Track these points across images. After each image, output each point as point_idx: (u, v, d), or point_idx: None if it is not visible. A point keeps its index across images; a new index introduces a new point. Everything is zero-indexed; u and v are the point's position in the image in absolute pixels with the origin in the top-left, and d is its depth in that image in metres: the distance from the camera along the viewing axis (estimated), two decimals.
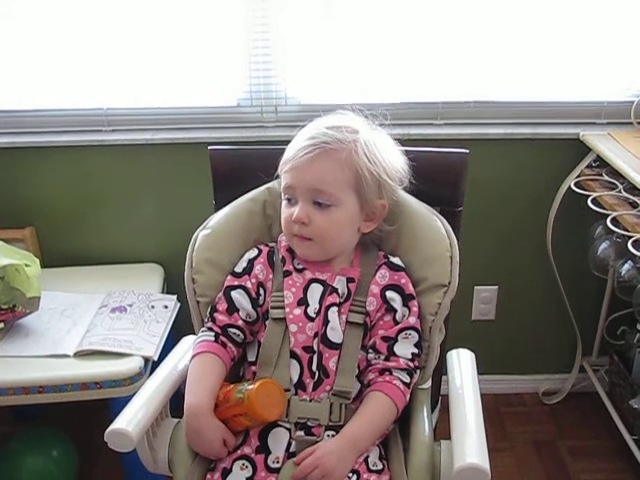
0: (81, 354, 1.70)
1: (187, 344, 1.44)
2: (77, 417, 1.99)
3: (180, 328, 1.85)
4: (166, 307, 1.91)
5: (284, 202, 1.32)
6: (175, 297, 1.94)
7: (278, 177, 1.41)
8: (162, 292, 2.01)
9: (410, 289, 1.32)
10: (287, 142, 1.89)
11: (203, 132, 2.01)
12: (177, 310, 1.92)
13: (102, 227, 2.11)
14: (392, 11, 1.92)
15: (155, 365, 1.71)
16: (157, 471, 1.28)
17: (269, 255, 1.36)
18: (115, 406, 1.66)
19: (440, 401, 1.52)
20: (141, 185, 2.07)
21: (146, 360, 1.71)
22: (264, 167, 1.44)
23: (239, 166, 1.49)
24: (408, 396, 1.28)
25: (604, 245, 1.93)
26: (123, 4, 1.90)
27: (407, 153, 1.35)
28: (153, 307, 1.89)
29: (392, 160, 1.31)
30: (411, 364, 1.28)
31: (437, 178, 1.41)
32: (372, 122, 1.34)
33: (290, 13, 1.92)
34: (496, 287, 2.19)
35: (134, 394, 1.60)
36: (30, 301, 1.75)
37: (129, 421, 1.18)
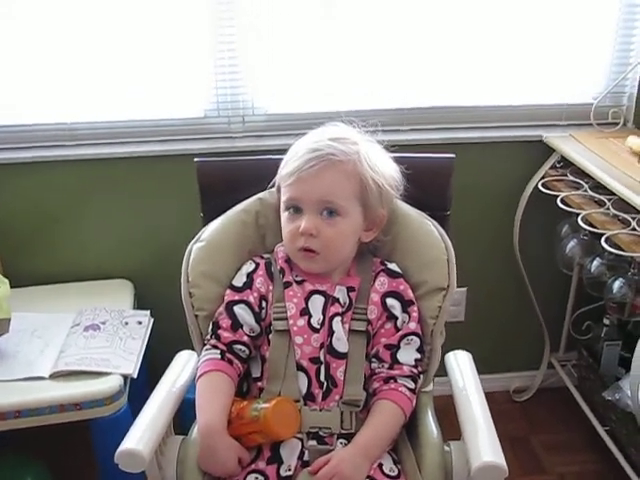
0: (57, 375, 1.64)
1: (183, 359, 1.44)
2: (51, 441, 1.93)
3: (152, 343, 1.84)
4: (140, 323, 1.87)
5: (286, 214, 1.31)
6: (148, 312, 1.91)
7: (267, 188, 1.42)
8: (134, 308, 1.97)
9: (409, 295, 1.33)
10: (256, 152, 1.91)
11: (170, 144, 1.98)
12: (151, 325, 1.88)
13: (67, 244, 2.05)
14: (357, 20, 1.93)
15: (134, 382, 1.69)
16: None
17: (267, 267, 1.36)
18: (96, 427, 1.62)
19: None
20: (107, 200, 2.02)
21: (125, 378, 1.66)
22: (252, 178, 1.45)
23: (226, 177, 1.48)
24: (414, 402, 1.30)
25: (572, 243, 1.99)
26: (85, 16, 1.85)
27: (395, 159, 1.37)
28: (127, 324, 1.85)
29: (389, 169, 1.34)
30: (415, 370, 1.30)
31: (424, 183, 1.43)
32: (362, 131, 1.36)
33: (255, 23, 1.91)
34: (465, 289, 2.23)
35: (115, 413, 1.61)
36: None
37: (138, 441, 1.16)
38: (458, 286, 2.16)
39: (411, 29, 1.96)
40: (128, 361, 1.71)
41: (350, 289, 1.32)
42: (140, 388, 1.71)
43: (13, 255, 2.02)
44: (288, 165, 1.30)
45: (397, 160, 1.37)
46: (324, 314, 1.29)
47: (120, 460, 1.14)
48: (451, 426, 1.31)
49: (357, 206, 1.29)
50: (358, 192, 1.28)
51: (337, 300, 1.30)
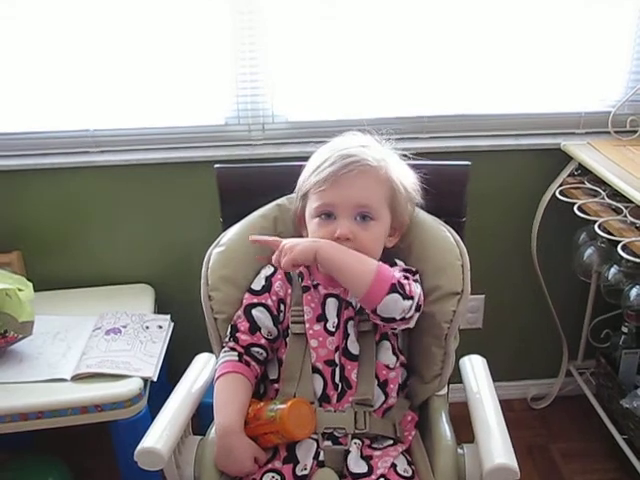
0: (79, 377, 1.67)
1: (201, 362, 1.46)
2: (72, 442, 1.96)
3: (172, 347, 1.87)
4: (160, 327, 1.90)
5: (316, 220, 1.31)
6: (169, 317, 1.94)
7: (285, 194, 1.44)
8: (154, 312, 2.00)
9: (410, 268, 1.34)
10: (275, 159, 1.94)
11: (191, 151, 2.01)
12: (172, 330, 1.91)
13: (90, 249, 2.09)
14: (376, 28, 1.95)
15: (154, 385, 1.72)
16: None
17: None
18: (116, 429, 1.65)
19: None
20: (129, 206, 2.05)
21: (145, 381, 1.69)
22: (271, 184, 1.48)
23: (246, 184, 1.51)
24: (394, 283, 1.22)
25: (589, 251, 1.99)
26: (108, 24, 1.89)
27: (411, 167, 1.40)
28: (147, 327, 1.88)
29: (411, 177, 1.36)
30: (409, 277, 1.27)
31: (440, 190, 1.44)
32: (380, 140, 1.39)
33: (276, 31, 1.94)
34: (483, 296, 2.23)
35: (135, 415, 1.64)
36: (23, 326, 1.72)
37: (157, 439, 1.19)
38: (476, 293, 2.21)
39: (431, 39, 1.97)
40: (148, 364, 1.74)
41: None
42: (160, 391, 1.74)
43: (36, 259, 2.06)
44: (320, 173, 1.30)
45: (413, 167, 1.40)
46: (339, 317, 1.31)
47: (139, 458, 1.17)
48: (467, 432, 1.31)
49: (387, 211, 1.32)
50: (389, 197, 1.31)
51: (350, 304, 1.32)
